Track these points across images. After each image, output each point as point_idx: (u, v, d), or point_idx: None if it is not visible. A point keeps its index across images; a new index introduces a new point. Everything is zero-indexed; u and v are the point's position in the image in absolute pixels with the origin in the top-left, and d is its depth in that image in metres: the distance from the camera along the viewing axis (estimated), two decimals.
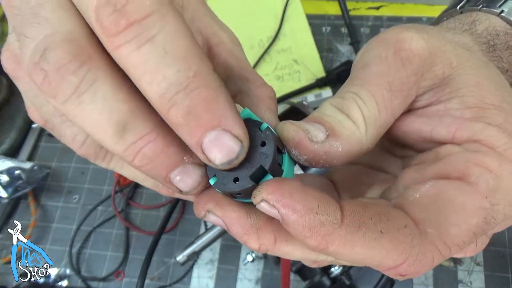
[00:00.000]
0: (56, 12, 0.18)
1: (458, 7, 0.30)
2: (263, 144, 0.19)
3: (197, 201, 0.21)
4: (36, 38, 0.17)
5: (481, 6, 0.28)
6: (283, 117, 0.49)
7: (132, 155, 0.18)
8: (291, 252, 0.21)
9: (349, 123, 0.21)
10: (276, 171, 0.20)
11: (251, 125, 0.20)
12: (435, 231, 0.19)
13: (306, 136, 0.20)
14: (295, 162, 0.22)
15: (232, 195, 0.20)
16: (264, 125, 0.20)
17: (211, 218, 0.21)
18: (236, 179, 0.19)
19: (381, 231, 0.18)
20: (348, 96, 0.21)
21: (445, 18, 0.31)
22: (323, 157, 0.20)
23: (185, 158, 0.19)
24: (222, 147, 0.17)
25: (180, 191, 0.20)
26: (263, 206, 0.18)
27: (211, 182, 0.20)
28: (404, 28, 0.23)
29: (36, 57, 0.17)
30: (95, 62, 0.17)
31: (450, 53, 0.22)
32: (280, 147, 0.20)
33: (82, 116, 0.17)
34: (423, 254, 0.18)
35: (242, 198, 0.20)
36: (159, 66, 0.16)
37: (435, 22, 0.33)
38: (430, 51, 0.22)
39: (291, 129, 0.20)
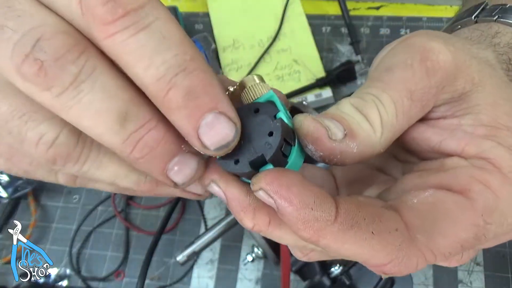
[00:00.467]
0: (33, 6, 0.17)
1: (473, 16, 0.30)
2: (271, 134, 0.20)
3: (207, 170, 0.21)
4: (19, 30, 0.16)
5: (496, 17, 0.28)
6: None
7: (132, 146, 0.18)
8: (282, 236, 0.22)
9: (366, 125, 0.21)
10: (279, 162, 0.20)
11: (268, 110, 0.20)
12: (424, 238, 0.19)
13: (326, 133, 0.20)
14: (305, 156, 0.22)
15: (235, 175, 0.21)
16: (280, 114, 0.20)
17: (214, 189, 0.21)
18: (236, 161, 0.20)
19: (372, 232, 0.19)
20: (369, 98, 0.21)
21: (459, 27, 0.31)
22: (338, 156, 0.20)
23: (182, 146, 0.19)
24: (218, 130, 0.18)
25: (175, 185, 0.20)
26: (261, 195, 0.19)
27: (217, 158, 0.20)
28: (433, 36, 0.23)
29: (27, 47, 0.16)
30: (92, 52, 0.17)
31: (474, 69, 0.22)
32: (290, 139, 0.20)
33: (78, 108, 0.17)
34: (408, 258, 0.19)
35: (245, 178, 0.21)
36: (158, 50, 0.16)
37: (448, 29, 0.33)
38: (456, 65, 0.22)
39: (311, 124, 0.20)
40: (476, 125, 0.22)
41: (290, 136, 0.20)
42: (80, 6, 0.16)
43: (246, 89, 0.22)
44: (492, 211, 0.20)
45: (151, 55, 0.16)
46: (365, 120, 0.21)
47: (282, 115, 0.20)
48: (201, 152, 0.19)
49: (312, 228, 0.18)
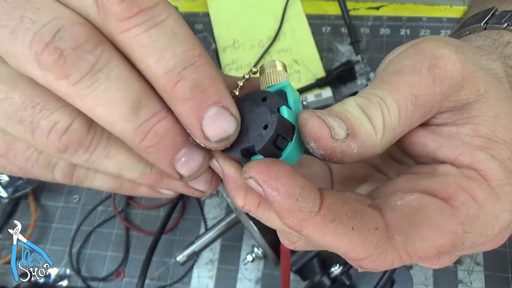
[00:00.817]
0: (50, 1, 0.18)
1: (482, 23, 0.30)
2: (265, 127, 0.20)
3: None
4: (39, 21, 0.17)
5: (506, 24, 0.28)
6: None
7: (143, 134, 0.18)
8: (270, 219, 0.23)
9: (369, 126, 0.21)
10: (271, 154, 0.20)
11: (273, 101, 0.21)
12: (402, 239, 0.20)
13: (329, 132, 0.20)
14: (303, 152, 0.22)
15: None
16: (282, 108, 0.20)
17: (215, 164, 0.22)
18: (231, 146, 0.20)
19: (352, 228, 0.19)
20: (374, 99, 0.22)
21: (468, 32, 0.31)
22: (338, 155, 0.21)
23: (190, 139, 0.20)
24: (221, 123, 0.19)
25: (181, 177, 0.21)
26: (251, 182, 0.20)
27: None
28: (443, 43, 0.23)
29: (47, 37, 0.17)
30: (107, 44, 0.18)
31: (480, 80, 0.23)
32: (287, 134, 0.21)
33: (93, 96, 0.18)
34: (385, 255, 0.20)
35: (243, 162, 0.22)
36: (169, 45, 0.18)
37: (456, 34, 0.33)
38: (463, 75, 0.22)
39: (315, 123, 0.20)
40: (474, 135, 0.22)
41: (288, 131, 0.21)
42: (96, 4, 0.17)
43: (264, 74, 0.22)
44: (472, 221, 0.21)
45: (163, 50, 0.18)
46: (368, 121, 0.21)
47: (285, 110, 0.20)
48: (202, 144, 0.20)
49: (296, 218, 0.19)
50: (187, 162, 0.20)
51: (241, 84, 0.23)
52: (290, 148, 0.21)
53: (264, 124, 0.20)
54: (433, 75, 0.21)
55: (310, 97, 0.64)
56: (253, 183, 0.20)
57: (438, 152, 0.23)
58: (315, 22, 0.72)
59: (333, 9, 0.72)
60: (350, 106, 0.22)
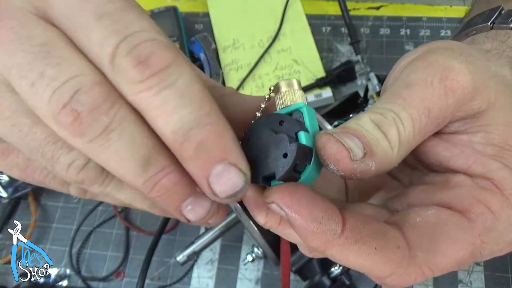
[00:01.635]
0: (71, 53, 0.18)
1: (489, 22, 0.30)
2: (285, 155, 0.20)
3: None
4: (58, 78, 0.17)
5: None
6: None
7: (151, 186, 0.19)
8: (291, 235, 0.24)
9: (385, 143, 0.21)
10: (290, 179, 0.21)
11: (290, 126, 0.21)
12: (424, 256, 0.21)
13: (348, 155, 0.20)
14: (320, 170, 0.22)
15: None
16: (300, 135, 0.21)
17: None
18: (252, 173, 0.20)
19: (375, 248, 0.20)
20: (389, 115, 0.22)
21: (474, 32, 0.31)
22: (357, 174, 0.21)
23: (197, 188, 0.20)
24: (228, 180, 0.19)
25: (188, 221, 0.21)
26: (273, 207, 0.20)
27: None
28: (453, 53, 0.23)
29: (65, 96, 0.17)
30: (122, 102, 0.18)
31: (491, 89, 0.23)
32: (305, 159, 0.21)
33: (106, 153, 0.18)
34: (408, 273, 0.21)
35: None
36: (176, 107, 0.18)
37: (462, 34, 0.33)
38: (474, 85, 0.22)
39: (334, 147, 0.20)
40: (486, 144, 0.23)
41: (307, 156, 0.21)
42: (112, 64, 0.18)
43: (279, 93, 0.23)
44: (489, 231, 0.21)
45: (170, 112, 0.18)
46: (384, 138, 0.21)
47: (302, 136, 0.21)
48: (212, 199, 0.20)
49: (319, 239, 0.20)
50: (194, 210, 0.20)
51: (263, 105, 0.23)
52: (309, 171, 0.21)
53: (283, 153, 0.20)
54: (444, 87, 0.22)
55: (310, 97, 0.64)
56: (276, 208, 0.20)
57: (451, 162, 0.23)
58: (315, 22, 0.72)
59: (333, 9, 0.72)
60: (365, 123, 0.22)
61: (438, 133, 0.24)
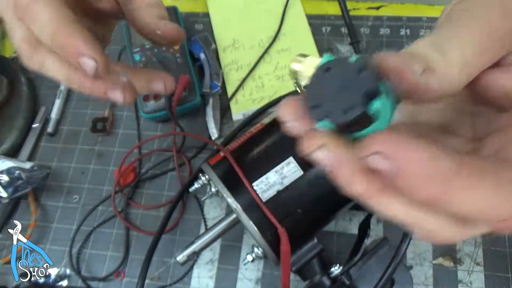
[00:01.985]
0: None
1: None
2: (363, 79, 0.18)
3: (309, 135, 0.20)
4: None
5: None
6: None
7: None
8: (392, 204, 0.20)
9: (444, 62, 0.20)
10: (367, 121, 0.19)
11: (343, 67, 0.19)
12: None
13: (409, 69, 0.19)
14: (396, 103, 0.20)
15: (341, 131, 0.19)
16: (352, 58, 0.19)
17: (319, 155, 0.19)
18: (346, 109, 0.18)
19: (497, 182, 0.17)
20: (447, 35, 0.21)
21: None
22: (421, 92, 0.20)
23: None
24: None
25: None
26: (374, 159, 0.17)
27: (321, 125, 0.19)
28: None
29: None
30: None
31: None
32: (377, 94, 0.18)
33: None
34: None
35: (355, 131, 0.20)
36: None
37: None
38: None
39: (395, 59, 0.19)
40: None
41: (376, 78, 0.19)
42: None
43: (300, 71, 0.21)
44: None
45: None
46: (442, 58, 0.20)
47: (355, 57, 0.19)
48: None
49: (437, 181, 0.17)
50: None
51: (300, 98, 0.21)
52: (383, 104, 0.19)
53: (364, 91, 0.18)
54: (503, 10, 0.21)
55: None
56: (378, 159, 0.17)
57: None
58: (315, 22, 0.72)
59: (333, 9, 0.72)
60: (419, 46, 0.21)
61: (497, 66, 0.22)
